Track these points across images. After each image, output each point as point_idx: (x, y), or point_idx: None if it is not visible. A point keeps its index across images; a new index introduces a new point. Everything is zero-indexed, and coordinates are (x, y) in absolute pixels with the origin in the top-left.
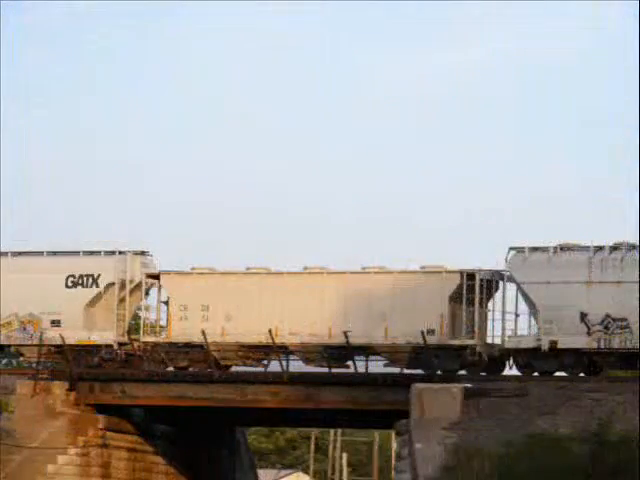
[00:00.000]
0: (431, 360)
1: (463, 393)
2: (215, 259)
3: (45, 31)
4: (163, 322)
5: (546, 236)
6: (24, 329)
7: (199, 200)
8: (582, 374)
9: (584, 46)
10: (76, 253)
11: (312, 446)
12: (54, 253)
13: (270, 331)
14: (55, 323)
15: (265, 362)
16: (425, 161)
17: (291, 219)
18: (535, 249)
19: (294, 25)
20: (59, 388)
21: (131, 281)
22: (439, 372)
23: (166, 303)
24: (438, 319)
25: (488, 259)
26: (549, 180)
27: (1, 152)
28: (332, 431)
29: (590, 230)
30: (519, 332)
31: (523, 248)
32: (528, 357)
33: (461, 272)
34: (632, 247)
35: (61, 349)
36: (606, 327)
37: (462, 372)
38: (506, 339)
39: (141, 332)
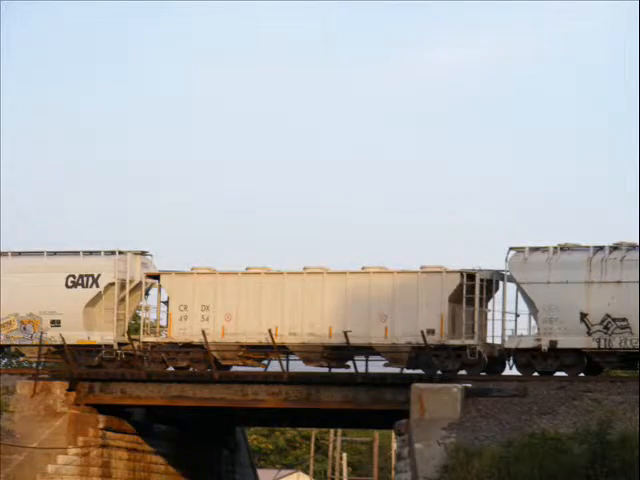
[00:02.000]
0: (431, 360)
1: (463, 393)
2: (215, 259)
3: (45, 30)
4: (163, 322)
5: (546, 236)
6: (24, 329)
7: (199, 200)
8: (582, 374)
9: (584, 45)
10: (76, 253)
11: (312, 446)
12: (54, 253)
13: (270, 331)
14: (55, 323)
15: (265, 362)
16: (425, 161)
17: (291, 219)
18: (535, 249)
19: (292, 22)
20: (59, 388)
21: (131, 281)
22: (439, 372)
23: (166, 303)
24: (438, 319)
25: (488, 259)
26: (548, 180)
27: (1, 152)
28: (332, 431)
29: (590, 230)
30: (519, 332)
31: (523, 248)
32: (528, 357)
33: (461, 272)
34: (632, 247)
35: (61, 349)
36: (606, 327)
37: (462, 372)
38: (506, 339)
39: (141, 332)
